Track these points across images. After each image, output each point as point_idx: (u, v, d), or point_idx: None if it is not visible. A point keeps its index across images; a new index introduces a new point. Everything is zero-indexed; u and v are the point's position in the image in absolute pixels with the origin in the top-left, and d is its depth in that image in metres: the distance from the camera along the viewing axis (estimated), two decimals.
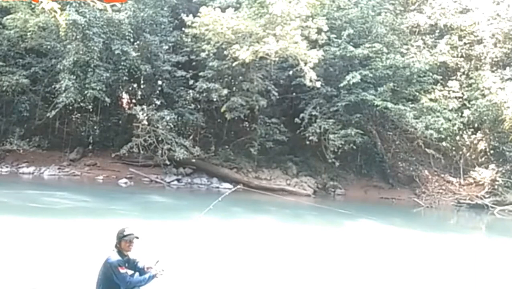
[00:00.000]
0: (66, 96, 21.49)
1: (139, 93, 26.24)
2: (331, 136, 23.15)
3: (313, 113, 23.77)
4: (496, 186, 24.84)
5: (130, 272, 5.90)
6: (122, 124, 25.67)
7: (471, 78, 25.63)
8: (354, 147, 23.62)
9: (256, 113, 24.50)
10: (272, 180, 24.19)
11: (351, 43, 23.89)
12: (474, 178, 25.83)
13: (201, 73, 23.08)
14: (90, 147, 24.51)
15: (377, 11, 25.53)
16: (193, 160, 23.13)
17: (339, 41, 23.65)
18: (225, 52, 22.08)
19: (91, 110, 23.81)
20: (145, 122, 23.79)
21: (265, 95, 23.90)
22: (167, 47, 23.83)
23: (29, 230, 11.03)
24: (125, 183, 22.29)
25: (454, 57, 26.07)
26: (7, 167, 22.58)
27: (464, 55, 26.69)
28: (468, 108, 24.52)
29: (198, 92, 23.20)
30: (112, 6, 19.76)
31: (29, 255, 8.78)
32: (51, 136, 24.52)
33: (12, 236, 10.21)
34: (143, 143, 22.86)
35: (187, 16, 22.54)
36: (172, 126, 23.04)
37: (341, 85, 23.13)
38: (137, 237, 5.91)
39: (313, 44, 22.60)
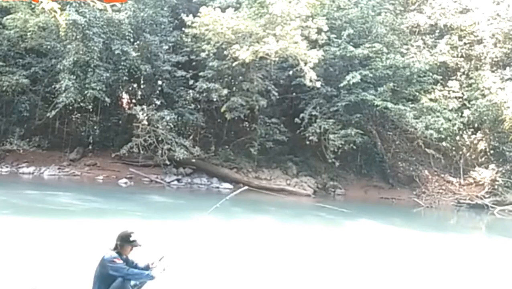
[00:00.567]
0: (66, 96, 21.49)
1: (139, 93, 26.25)
2: (331, 136, 23.15)
3: (313, 113, 23.77)
4: (496, 186, 24.85)
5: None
6: (122, 124, 25.68)
7: (471, 78, 25.62)
8: (354, 147, 23.63)
9: (256, 113, 24.50)
10: (272, 180, 24.20)
11: (351, 43, 23.89)
12: (474, 178, 25.83)
13: (201, 73, 23.08)
14: (90, 147, 24.50)
15: (377, 11, 25.54)
16: (193, 160, 23.13)
17: (339, 41, 23.65)
18: (225, 52, 22.09)
19: (91, 110, 23.80)
20: (145, 122, 23.79)
21: (265, 95, 23.90)
22: (167, 47, 23.83)
23: (30, 230, 11.02)
24: (125, 183, 22.29)
25: (454, 57, 26.07)
26: (7, 167, 22.58)
27: (464, 55, 26.69)
28: (468, 108, 24.52)
29: (198, 92, 23.20)
30: (112, 6, 19.76)
31: (30, 255, 8.77)
32: (51, 136, 24.52)
33: (12, 236, 10.20)
34: (143, 143, 22.86)
35: (187, 16, 22.55)
36: (172, 126, 23.04)
37: (341, 85, 23.13)
38: (140, 245, 5.98)
39: (313, 44, 22.61)
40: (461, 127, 24.56)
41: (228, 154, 24.75)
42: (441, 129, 22.67)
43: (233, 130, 26.50)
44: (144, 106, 23.53)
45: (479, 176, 25.66)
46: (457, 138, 25.56)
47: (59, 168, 22.95)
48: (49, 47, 22.95)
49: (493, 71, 25.46)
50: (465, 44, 26.46)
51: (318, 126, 23.42)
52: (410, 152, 26.44)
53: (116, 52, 22.04)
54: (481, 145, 26.59)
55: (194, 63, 23.94)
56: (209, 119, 25.74)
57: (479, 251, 14.17)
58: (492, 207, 23.87)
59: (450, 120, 23.31)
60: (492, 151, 26.15)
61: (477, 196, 24.76)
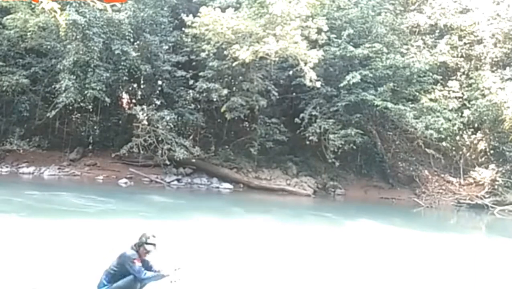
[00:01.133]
0: (66, 96, 21.49)
1: (139, 93, 26.25)
2: (331, 136, 23.15)
3: (313, 113, 23.76)
4: (496, 186, 24.84)
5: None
6: (122, 124, 25.69)
7: (471, 78, 25.61)
8: (354, 147, 23.62)
9: (256, 113, 24.50)
10: (272, 180, 24.20)
11: (351, 43, 23.88)
12: (474, 178, 25.82)
13: (201, 73, 23.08)
14: (90, 147, 24.51)
15: (377, 11, 25.52)
16: (193, 160, 23.13)
17: (339, 41, 23.65)
18: (225, 52, 22.09)
19: (91, 110, 23.81)
20: (145, 122, 23.80)
21: (265, 95, 23.90)
22: (167, 47, 23.83)
23: (30, 230, 11.03)
24: (125, 183, 22.29)
25: (454, 57, 26.05)
26: (7, 167, 22.59)
27: (464, 55, 26.68)
28: (468, 108, 24.51)
29: (198, 92, 23.20)
30: (112, 6, 19.76)
31: (32, 255, 8.77)
32: (51, 136, 24.53)
33: (13, 236, 10.20)
34: (143, 143, 22.86)
35: (187, 16, 22.54)
36: (172, 126, 23.05)
37: (341, 85, 23.13)
38: (156, 250, 6.16)
39: (313, 44, 22.60)
40: (461, 127, 24.55)
41: (228, 154, 24.75)
42: (441, 129, 22.66)
43: (233, 130, 26.50)
44: (144, 106, 23.53)
45: (479, 176, 25.65)
46: (457, 138, 25.55)
47: (59, 168, 22.95)
48: (49, 47, 22.96)
49: (493, 71, 25.44)
50: (465, 44, 26.45)
51: (318, 126, 23.41)
52: (410, 152, 26.44)
53: (116, 52, 22.04)
54: (481, 145, 26.58)
55: (194, 63, 23.94)
56: (209, 119, 25.74)
57: (479, 251, 14.17)
58: (492, 207, 23.87)
59: (450, 120, 23.30)
60: (492, 151, 26.15)
61: (477, 196, 24.76)
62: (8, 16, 22.27)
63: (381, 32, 24.70)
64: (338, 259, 11.02)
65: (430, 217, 23.14)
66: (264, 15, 22.04)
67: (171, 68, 23.72)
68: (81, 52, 21.55)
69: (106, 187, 20.89)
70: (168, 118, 22.76)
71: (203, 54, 22.37)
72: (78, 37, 21.50)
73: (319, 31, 22.54)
